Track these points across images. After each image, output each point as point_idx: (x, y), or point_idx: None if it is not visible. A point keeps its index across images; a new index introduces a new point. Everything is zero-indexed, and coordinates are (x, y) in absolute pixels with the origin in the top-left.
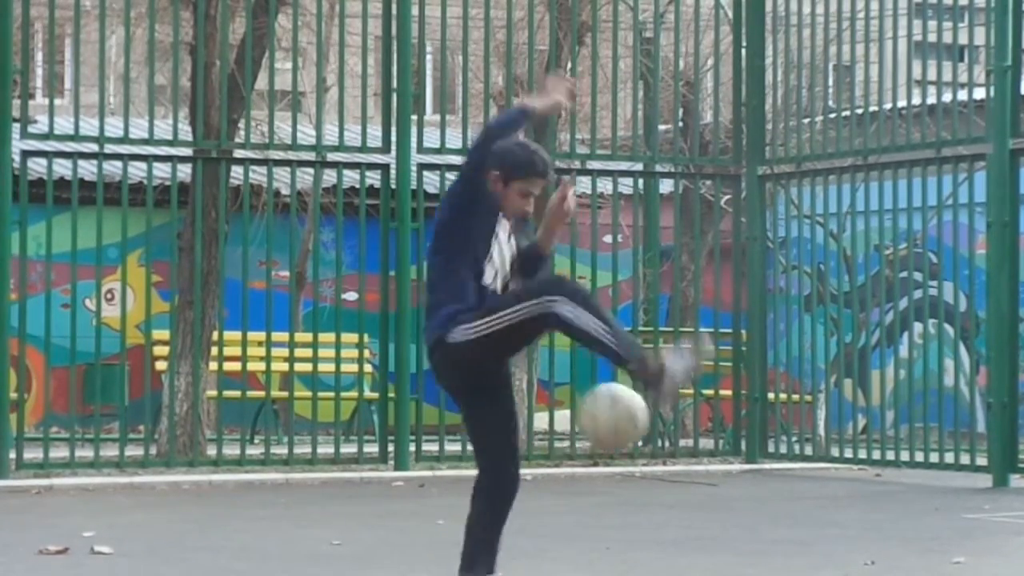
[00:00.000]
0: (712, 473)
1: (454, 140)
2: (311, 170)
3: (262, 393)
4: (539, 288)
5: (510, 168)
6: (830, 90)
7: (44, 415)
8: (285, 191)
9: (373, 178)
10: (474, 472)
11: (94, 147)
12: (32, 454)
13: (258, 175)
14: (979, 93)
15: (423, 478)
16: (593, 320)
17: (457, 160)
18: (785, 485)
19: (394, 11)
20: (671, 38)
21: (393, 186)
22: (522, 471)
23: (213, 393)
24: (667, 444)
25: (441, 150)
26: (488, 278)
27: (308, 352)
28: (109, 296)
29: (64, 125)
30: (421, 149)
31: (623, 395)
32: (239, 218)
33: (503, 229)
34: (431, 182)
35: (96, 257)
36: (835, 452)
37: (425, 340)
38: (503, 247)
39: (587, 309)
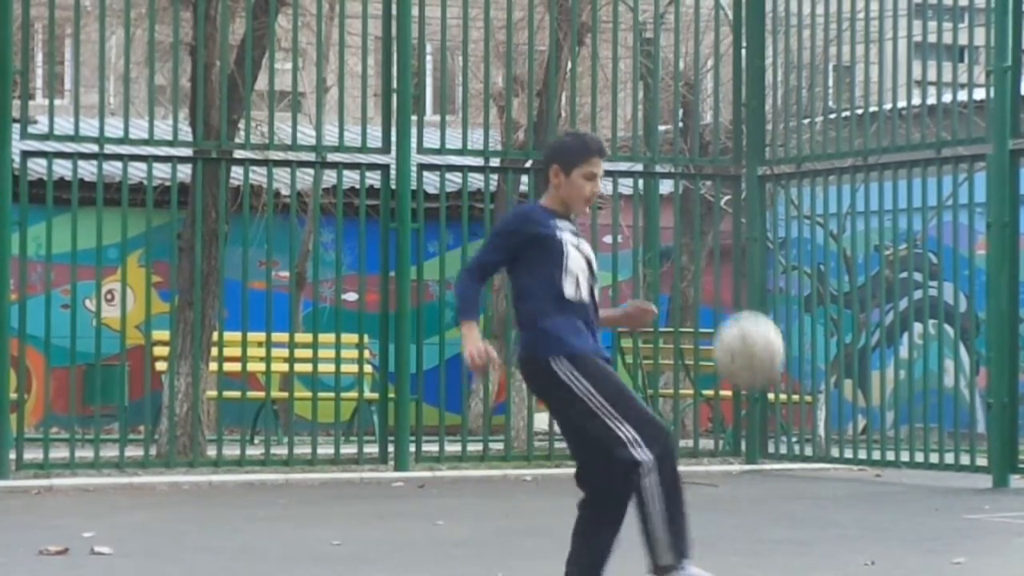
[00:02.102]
0: (712, 474)
1: (454, 140)
2: (311, 170)
3: (262, 394)
4: (655, 432)
5: (567, 157)
6: (830, 91)
7: (44, 415)
8: (285, 191)
9: (373, 178)
10: (473, 473)
11: (94, 147)
12: (32, 454)
13: (258, 175)
14: (979, 94)
15: (423, 479)
16: (664, 509)
17: (457, 160)
18: (785, 485)
19: (394, 11)
20: (671, 39)
21: (393, 186)
22: (526, 471)
23: (213, 394)
24: None
25: (441, 150)
26: (570, 291)
27: (308, 353)
28: (109, 297)
29: (64, 125)
30: (421, 149)
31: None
32: (239, 219)
33: (569, 234)
34: (431, 182)
35: (96, 257)
36: (835, 452)
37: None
38: (576, 251)
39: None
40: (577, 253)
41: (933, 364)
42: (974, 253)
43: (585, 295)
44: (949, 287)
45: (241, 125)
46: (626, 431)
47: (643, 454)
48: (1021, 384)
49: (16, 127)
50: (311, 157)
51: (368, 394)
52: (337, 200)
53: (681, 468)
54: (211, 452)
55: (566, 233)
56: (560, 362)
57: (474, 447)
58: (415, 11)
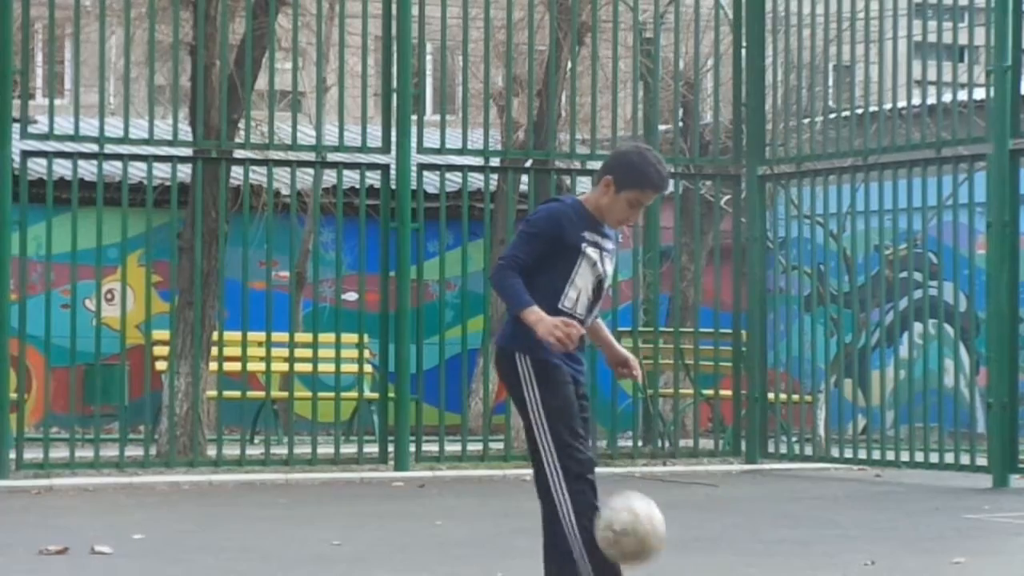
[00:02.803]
0: (712, 473)
1: (454, 140)
2: (311, 170)
3: (262, 393)
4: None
5: (625, 177)
6: (830, 90)
7: (44, 415)
8: (285, 191)
9: (373, 178)
10: (473, 473)
11: (94, 147)
12: (32, 454)
13: (258, 175)
14: (979, 93)
15: (423, 478)
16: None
17: (457, 160)
18: (785, 485)
19: (394, 11)
20: (671, 38)
21: (393, 186)
22: (526, 471)
23: (213, 393)
24: (667, 444)
25: (441, 150)
26: (567, 303)
27: (308, 352)
28: (109, 296)
29: (64, 125)
30: (421, 149)
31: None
32: (239, 218)
33: (592, 249)
34: (431, 182)
35: (96, 257)
36: (835, 452)
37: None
38: (590, 269)
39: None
40: (589, 271)
41: (933, 364)
42: (974, 253)
43: (581, 310)
44: (949, 287)
45: (241, 125)
46: (552, 459)
47: (559, 488)
48: (1021, 384)
49: (16, 127)
50: (311, 157)
51: (368, 394)
52: (337, 200)
53: (679, 468)
54: (211, 452)
55: (590, 248)
56: (524, 361)
57: (474, 447)
58: (415, 11)
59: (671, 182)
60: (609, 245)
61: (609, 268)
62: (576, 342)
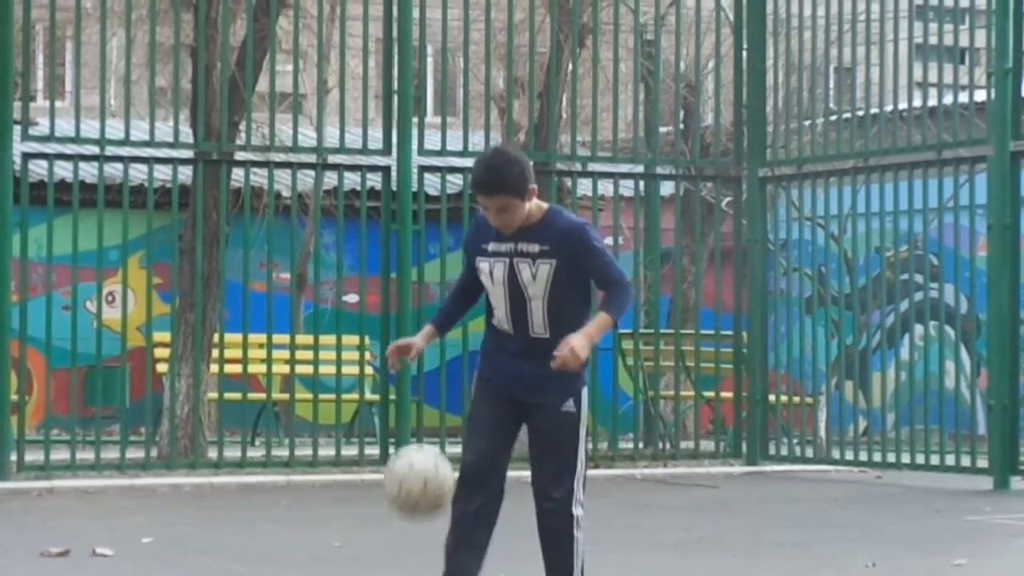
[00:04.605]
0: (713, 475)
1: (455, 142)
2: (312, 172)
3: (263, 395)
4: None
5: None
6: (831, 92)
7: (45, 417)
8: (286, 193)
9: (374, 180)
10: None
11: (95, 149)
12: (33, 456)
13: (259, 177)
14: (980, 95)
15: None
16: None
17: (458, 162)
18: (786, 487)
19: (395, 13)
20: (672, 40)
21: (394, 188)
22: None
23: (214, 395)
24: (668, 446)
25: (442, 152)
26: (494, 319)
27: (309, 354)
28: (110, 298)
29: (65, 127)
30: (422, 151)
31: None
32: (240, 220)
33: (489, 261)
34: (432, 184)
35: (97, 259)
36: (836, 454)
37: None
38: (489, 279)
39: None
40: (491, 285)
41: (934, 366)
42: (975, 255)
43: (507, 326)
44: (950, 289)
45: (242, 127)
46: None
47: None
48: (1022, 386)
49: (17, 129)
50: (312, 159)
51: (369, 396)
52: (338, 202)
53: (680, 470)
54: (212, 454)
55: (484, 261)
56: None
57: None
58: (416, 13)
59: (503, 186)
60: (531, 247)
61: (527, 275)
62: (394, 363)
